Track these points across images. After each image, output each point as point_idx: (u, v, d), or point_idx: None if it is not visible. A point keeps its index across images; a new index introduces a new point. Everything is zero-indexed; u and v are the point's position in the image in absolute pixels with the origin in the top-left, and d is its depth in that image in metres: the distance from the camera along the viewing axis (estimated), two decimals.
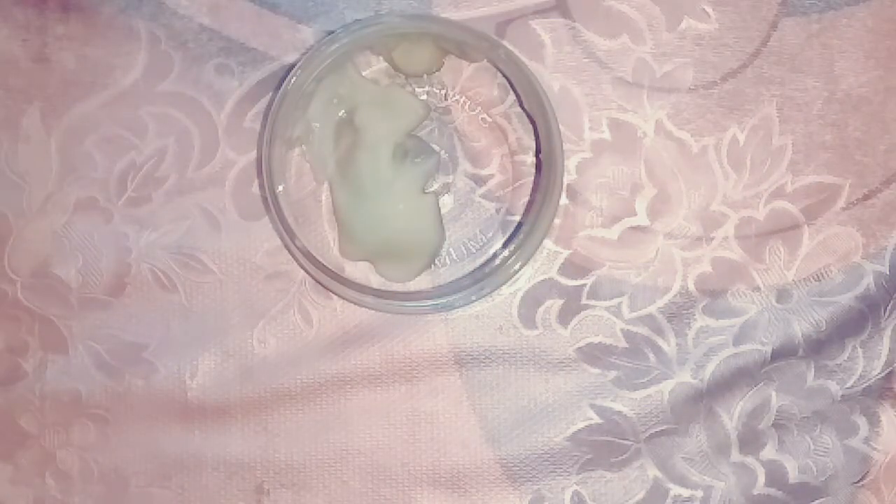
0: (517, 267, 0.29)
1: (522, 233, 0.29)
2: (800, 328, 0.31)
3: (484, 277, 0.30)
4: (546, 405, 0.31)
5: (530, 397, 0.31)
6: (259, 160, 0.31)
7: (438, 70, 0.31)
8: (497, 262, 0.29)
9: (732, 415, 0.31)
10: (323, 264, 0.29)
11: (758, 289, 0.31)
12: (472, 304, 0.30)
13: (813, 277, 0.31)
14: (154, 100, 0.31)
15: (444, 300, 0.30)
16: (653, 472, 0.31)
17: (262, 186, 0.31)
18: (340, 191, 0.30)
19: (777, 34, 0.31)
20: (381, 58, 0.31)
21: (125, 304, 0.31)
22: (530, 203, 0.31)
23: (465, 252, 0.31)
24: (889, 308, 0.31)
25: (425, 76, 0.31)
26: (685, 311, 0.31)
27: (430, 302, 0.30)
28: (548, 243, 0.31)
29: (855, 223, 0.31)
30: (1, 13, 0.31)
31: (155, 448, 0.31)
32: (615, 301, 0.31)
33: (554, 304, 0.31)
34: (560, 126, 0.29)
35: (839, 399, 0.31)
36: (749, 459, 0.31)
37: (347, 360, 0.31)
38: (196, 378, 0.31)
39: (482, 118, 0.31)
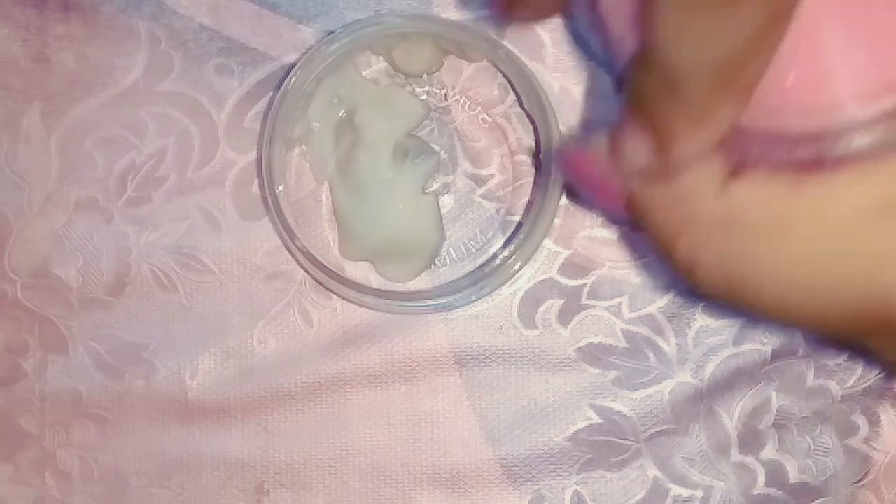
0: (517, 267, 0.29)
1: (522, 233, 0.29)
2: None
3: (484, 277, 0.30)
4: (546, 405, 0.31)
5: (530, 397, 0.31)
6: (259, 160, 0.31)
7: (438, 70, 0.31)
8: (497, 262, 0.29)
9: (732, 415, 0.31)
10: (323, 264, 0.29)
11: None
12: (472, 304, 0.30)
13: None
14: (154, 100, 0.31)
15: (444, 300, 0.30)
16: (653, 472, 0.31)
17: (262, 186, 0.31)
18: (340, 191, 0.30)
19: None
20: (381, 58, 0.31)
21: (125, 304, 0.31)
22: (530, 203, 0.31)
23: (465, 252, 0.31)
24: None
25: (425, 76, 0.31)
26: (685, 311, 0.31)
27: (430, 302, 0.30)
28: (548, 243, 0.31)
29: None
30: (1, 13, 0.31)
31: (155, 448, 0.31)
32: (615, 301, 0.31)
33: (554, 304, 0.31)
34: (560, 126, 0.29)
35: (839, 399, 0.31)
36: (749, 459, 0.31)
37: (347, 360, 0.31)
38: (196, 378, 0.31)
39: (482, 118, 0.31)
